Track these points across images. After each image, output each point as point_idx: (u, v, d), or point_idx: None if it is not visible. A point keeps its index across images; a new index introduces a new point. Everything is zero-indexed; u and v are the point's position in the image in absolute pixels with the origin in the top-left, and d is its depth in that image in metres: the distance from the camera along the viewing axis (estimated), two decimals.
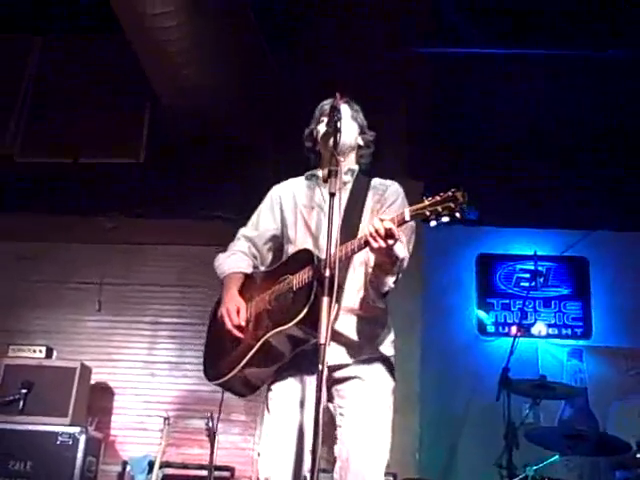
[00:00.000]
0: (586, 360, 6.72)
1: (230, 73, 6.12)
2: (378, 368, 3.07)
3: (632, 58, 6.47)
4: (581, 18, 6.35)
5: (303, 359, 2.95)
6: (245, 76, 6.26)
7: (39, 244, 6.88)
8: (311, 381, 2.93)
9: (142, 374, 6.57)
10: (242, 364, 2.99)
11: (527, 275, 6.85)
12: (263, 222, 3.38)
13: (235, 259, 3.32)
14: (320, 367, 2.48)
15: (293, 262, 3.05)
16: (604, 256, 6.96)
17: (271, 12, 6.39)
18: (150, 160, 6.88)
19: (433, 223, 2.66)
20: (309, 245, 3.10)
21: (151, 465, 5.49)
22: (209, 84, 6.04)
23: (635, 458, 4.95)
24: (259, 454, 3.03)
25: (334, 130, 2.94)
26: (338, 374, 3.01)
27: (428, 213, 2.63)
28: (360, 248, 2.82)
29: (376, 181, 3.27)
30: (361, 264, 3.05)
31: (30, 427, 5.39)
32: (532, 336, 6.80)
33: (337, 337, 2.93)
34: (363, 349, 3.05)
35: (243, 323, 3.05)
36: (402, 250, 2.88)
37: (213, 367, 3.19)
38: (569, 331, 6.88)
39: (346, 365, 3.01)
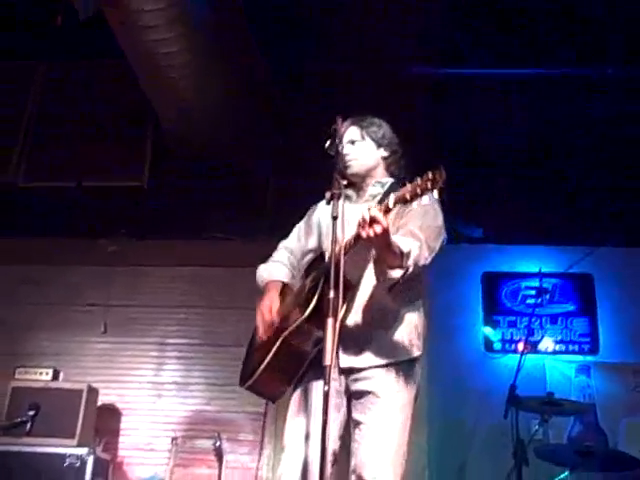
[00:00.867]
0: (594, 376, 6.69)
1: (232, 98, 6.15)
2: (397, 378, 3.06)
3: (632, 76, 6.49)
4: (580, 37, 6.38)
5: (313, 367, 3.01)
6: (246, 101, 6.30)
7: (44, 267, 6.90)
8: (319, 384, 2.91)
9: (149, 395, 6.56)
10: (264, 365, 3.04)
11: (533, 292, 6.84)
12: (304, 235, 3.47)
13: (274, 267, 3.41)
14: (326, 388, 2.47)
15: (320, 269, 3.08)
16: (609, 272, 6.94)
17: (273, 36, 6.43)
18: (153, 183, 6.92)
19: (415, 204, 2.67)
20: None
21: None
22: (211, 109, 6.07)
23: None
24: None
25: (335, 154, 2.99)
26: (357, 386, 3.03)
27: (409, 197, 2.60)
28: (356, 241, 2.83)
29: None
30: None
31: (37, 449, 5.38)
32: (539, 352, 6.79)
33: (350, 338, 2.97)
34: (380, 352, 3.05)
35: (276, 318, 3.09)
36: (408, 244, 2.86)
37: (242, 372, 3.28)
38: (576, 347, 6.86)
39: (361, 370, 3.03)
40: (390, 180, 3.31)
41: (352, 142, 3.29)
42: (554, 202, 6.90)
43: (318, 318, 2.76)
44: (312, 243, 3.42)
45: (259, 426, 6.13)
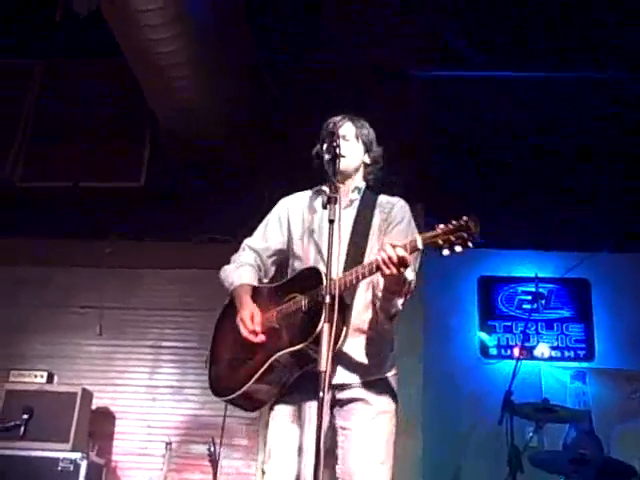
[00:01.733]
0: (589, 382, 6.69)
1: (230, 98, 6.14)
2: (383, 390, 3.07)
3: (632, 78, 6.49)
4: (581, 39, 6.38)
5: (306, 380, 2.95)
6: (245, 101, 6.29)
7: (39, 268, 6.86)
8: (312, 403, 2.92)
9: (144, 399, 6.52)
10: (252, 381, 2.99)
11: (529, 297, 6.84)
12: (271, 235, 3.36)
13: (244, 271, 3.29)
14: (321, 394, 2.48)
15: (301, 280, 3.04)
16: (605, 278, 6.94)
17: (271, 36, 6.43)
18: (150, 184, 6.90)
19: (446, 252, 2.65)
20: (318, 263, 3.09)
21: None
22: (209, 108, 6.07)
23: None
24: (264, 472, 3.03)
25: (332, 156, 2.96)
26: (343, 395, 3.01)
27: (441, 242, 2.63)
28: (371, 273, 2.82)
29: (383, 198, 3.27)
30: (367, 284, 3.05)
31: (31, 453, 5.36)
32: (535, 358, 6.78)
33: (344, 357, 2.95)
34: (369, 370, 3.05)
35: (258, 328, 3.03)
36: (410, 272, 2.88)
37: (221, 383, 3.18)
38: (572, 353, 6.86)
39: (351, 385, 3.02)
40: (363, 187, 3.30)
41: (344, 137, 3.23)
42: (551, 207, 6.89)
43: (316, 341, 2.75)
44: (279, 243, 3.35)
45: (254, 431, 6.11)
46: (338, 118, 3.28)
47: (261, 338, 3.01)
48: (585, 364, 6.81)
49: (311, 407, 2.96)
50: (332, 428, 3.04)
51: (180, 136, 6.53)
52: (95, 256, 6.81)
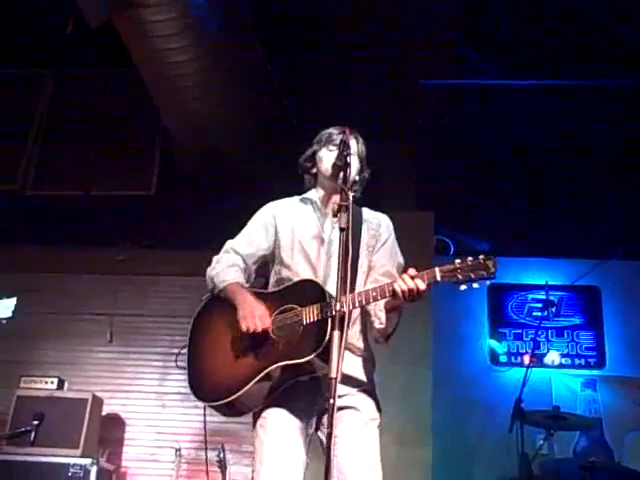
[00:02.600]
0: (600, 390, 6.67)
1: (240, 107, 6.16)
2: (371, 399, 3.10)
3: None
4: (591, 48, 6.38)
5: (293, 388, 2.98)
6: (255, 110, 6.31)
7: (51, 275, 6.90)
8: (303, 410, 3.02)
9: (153, 405, 6.55)
10: (244, 390, 2.95)
11: (539, 305, 6.84)
12: (257, 240, 3.31)
13: (235, 271, 3.25)
14: (332, 401, 2.50)
15: (299, 292, 3.03)
16: (616, 285, 6.93)
17: (281, 45, 6.45)
18: (161, 192, 6.92)
19: (463, 287, 2.74)
20: (308, 273, 3.11)
21: None
22: (219, 118, 6.09)
23: None
24: None
25: (344, 165, 2.96)
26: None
27: (460, 277, 2.71)
28: (383, 297, 2.86)
29: (368, 213, 3.28)
30: None
31: (41, 459, 5.36)
32: (545, 366, 6.77)
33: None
34: (360, 382, 3.08)
35: (268, 323, 3.00)
36: None
37: (209, 388, 3.10)
38: (582, 361, 6.85)
39: (343, 395, 2.99)
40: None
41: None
42: (561, 215, 6.89)
43: (321, 357, 2.79)
44: (264, 249, 3.30)
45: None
46: (344, 129, 3.25)
47: (272, 337, 2.99)
48: (596, 372, 6.80)
49: (307, 415, 3.03)
50: (319, 436, 3.06)
51: (191, 145, 6.55)
52: (106, 264, 6.84)
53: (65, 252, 6.91)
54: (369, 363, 3.16)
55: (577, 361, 6.86)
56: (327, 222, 3.22)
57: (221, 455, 5.38)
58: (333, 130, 3.30)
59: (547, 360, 6.81)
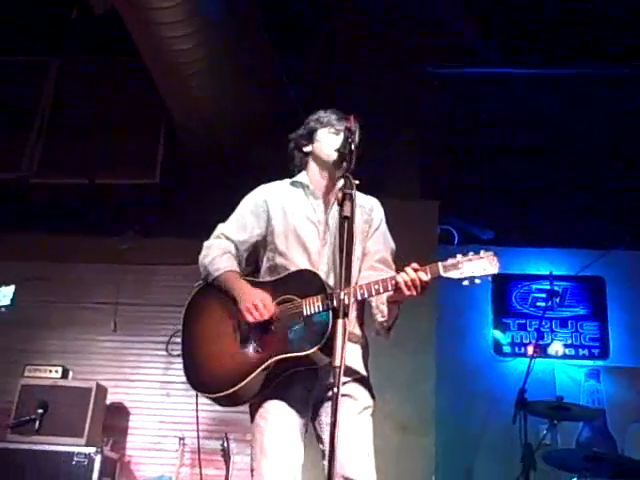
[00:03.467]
0: (603, 381, 6.66)
1: (245, 95, 6.14)
2: (365, 387, 3.11)
3: None
4: (594, 36, 6.36)
5: (292, 378, 2.98)
6: (260, 98, 6.29)
7: (55, 264, 6.89)
8: (302, 399, 3.02)
9: (158, 394, 6.54)
10: (245, 381, 2.93)
11: (543, 295, 6.81)
12: (249, 226, 3.27)
13: (228, 258, 3.21)
14: (335, 390, 2.48)
15: (298, 283, 3.02)
16: (620, 275, 6.92)
17: (285, 31, 6.43)
18: (165, 180, 6.90)
19: (466, 283, 2.80)
20: (303, 260, 3.09)
21: None
22: (224, 106, 6.08)
23: None
24: (253, 471, 3.00)
25: (349, 153, 2.94)
26: (330, 392, 2.95)
27: (462, 274, 2.77)
28: (386, 290, 2.86)
29: (360, 198, 3.14)
30: None
31: (46, 447, 5.39)
32: (549, 356, 6.77)
33: None
34: (355, 370, 3.08)
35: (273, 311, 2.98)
36: None
37: (208, 379, 3.07)
38: (586, 351, 6.84)
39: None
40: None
41: None
42: (565, 204, 6.88)
43: (323, 350, 2.80)
44: (256, 235, 3.26)
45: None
46: (346, 115, 3.21)
47: (272, 328, 2.96)
48: (599, 362, 6.79)
49: (306, 404, 3.03)
50: (313, 425, 3.07)
51: (195, 133, 6.54)
52: (110, 252, 6.84)
53: (69, 241, 6.89)
54: (365, 350, 3.18)
55: (581, 352, 6.85)
56: (320, 207, 3.20)
57: (225, 444, 5.39)
58: (334, 113, 3.29)
59: (551, 350, 6.81)
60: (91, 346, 6.67)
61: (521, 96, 6.81)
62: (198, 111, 6.18)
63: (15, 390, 5.74)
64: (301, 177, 3.32)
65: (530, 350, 6.53)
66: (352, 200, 2.77)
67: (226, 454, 5.35)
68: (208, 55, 5.55)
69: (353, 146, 2.95)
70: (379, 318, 3.06)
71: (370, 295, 2.89)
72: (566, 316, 6.97)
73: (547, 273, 6.67)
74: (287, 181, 3.37)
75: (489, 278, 2.74)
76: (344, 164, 2.95)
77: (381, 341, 3.21)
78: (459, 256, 2.73)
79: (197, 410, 3.50)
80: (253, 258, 3.31)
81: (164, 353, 6.66)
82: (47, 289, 6.81)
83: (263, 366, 2.93)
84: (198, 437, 5.05)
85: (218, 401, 3.09)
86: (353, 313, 3.08)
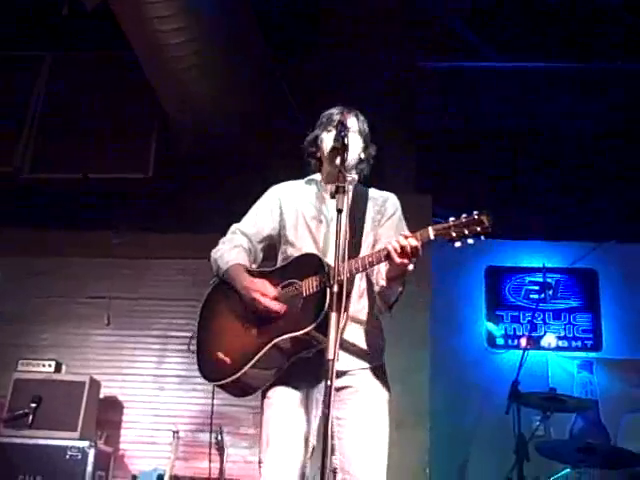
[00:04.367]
0: (596, 372, 6.69)
1: (238, 90, 6.14)
2: (377, 379, 3.09)
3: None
4: (591, 30, 6.37)
5: (299, 367, 2.99)
6: (253, 93, 6.29)
7: (48, 259, 6.89)
8: (309, 389, 3.01)
9: (151, 388, 6.55)
10: (248, 366, 2.96)
11: (536, 287, 6.85)
12: (262, 220, 3.32)
13: (238, 252, 3.25)
14: (329, 383, 2.49)
15: (299, 266, 3.04)
16: (613, 268, 6.94)
17: (278, 27, 6.42)
18: (158, 174, 6.88)
19: (458, 244, 2.70)
20: (312, 248, 3.12)
21: (160, 479, 5.50)
22: (217, 101, 6.06)
23: None
24: (261, 463, 3.01)
25: (342, 146, 2.95)
26: (339, 382, 2.96)
27: (454, 234, 2.67)
28: (379, 261, 2.84)
29: (374, 192, 3.30)
30: (362, 273, 3.05)
31: (39, 441, 5.39)
32: (542, 348, 6.79)
33: (342, 345, 2.91)
34: (365, 357, 3.08)
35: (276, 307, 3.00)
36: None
37: (214, 367, 3.11)
38: (579, 343, 6.87)
39: (347, 372, 3.02)
40: (355, 178, 3.29)
41: (350, 130, 3.19)
42: (559, 197, 6.89)
43: (320, 329, 2.78)
44: (270, 229, 3.31)
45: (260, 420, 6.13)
46: (343, 109, 3.26)
47: (284, 309, 2.97)
48: (592, 354, 6.82)
49: (313, 395, 3.01)
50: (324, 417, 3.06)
51: (188, 128, 6.53)
52: (103, 247, 6.83)
53: (62, 235, 6.88)
54: (375, 336, 3.15)
55: (574, 343, 6.88)
56: (328, 202, 3.20)
57: (219, 437, 5.40)
58: (333, 110, 3.30)
59: (544, 342, 6.83)
60: (85, 340, 6.67)
61: (517, 90, 6.82)
62: (190, 105, 6.17)
63: (8, 384, 5.73)
64: (315, 175, 3.36)
65: (523, 342, 6.55)
66: (344, 193, 2.78)
67: (220, 447, 5.35)
68: (201, 50, 5.54)
69: (346, 140, 2.96)
70: (378, 293, 3.05)
71: (364, 268, 2.87)
72: (559, 308, 6.99)
73: (540, 266, 6.69)
74: (302, 180, 3.40)
75: (482, 237, 2.67)
76: (338, 158, 2.95)
77: None
78: (451, 219, 2.68)
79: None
80: (273, 253, 3.36)
81: (157, 347, 6.67)
82: (40, 284, 6.81)
83: (264, 350, 2.94)
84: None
85: (228, 390, 3.13)
86: (364, 300, 3.11)
